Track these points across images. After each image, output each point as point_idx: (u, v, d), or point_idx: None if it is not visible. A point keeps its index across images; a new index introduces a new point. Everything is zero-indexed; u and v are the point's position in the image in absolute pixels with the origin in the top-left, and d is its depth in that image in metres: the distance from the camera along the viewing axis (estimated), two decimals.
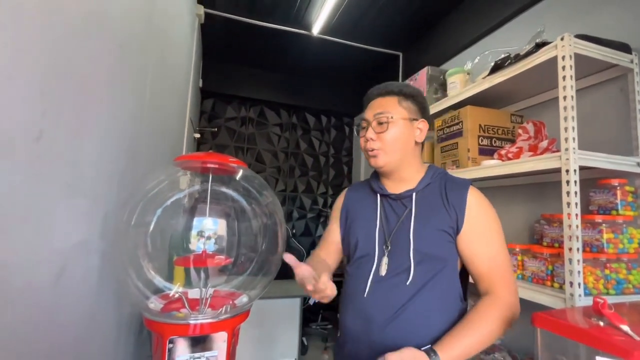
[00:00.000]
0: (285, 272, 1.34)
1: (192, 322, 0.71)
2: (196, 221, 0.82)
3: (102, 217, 0.72)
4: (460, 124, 1.56)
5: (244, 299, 0.86)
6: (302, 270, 0.65)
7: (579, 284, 0.99)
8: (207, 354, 0.71)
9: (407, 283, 0.77)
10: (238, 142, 3.45)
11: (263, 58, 3.14)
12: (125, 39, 0.82)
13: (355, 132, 0.91)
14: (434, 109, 1.80)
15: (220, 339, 0.72)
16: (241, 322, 0.80)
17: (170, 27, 1.46)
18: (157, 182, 0.79)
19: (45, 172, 0.55)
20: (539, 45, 1.19)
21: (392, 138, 0.82)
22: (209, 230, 0.84)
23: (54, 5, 0.51)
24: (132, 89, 0.92)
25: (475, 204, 0.81)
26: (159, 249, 0.77)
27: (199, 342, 0.71)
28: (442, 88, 1.90)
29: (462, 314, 0.78)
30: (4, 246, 0.45)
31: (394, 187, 0.87)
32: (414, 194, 0.84)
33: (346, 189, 1.01)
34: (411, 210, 0.82)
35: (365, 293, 0.79)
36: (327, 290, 0.65)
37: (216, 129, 3.28)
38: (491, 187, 1.77)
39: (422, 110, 0.88)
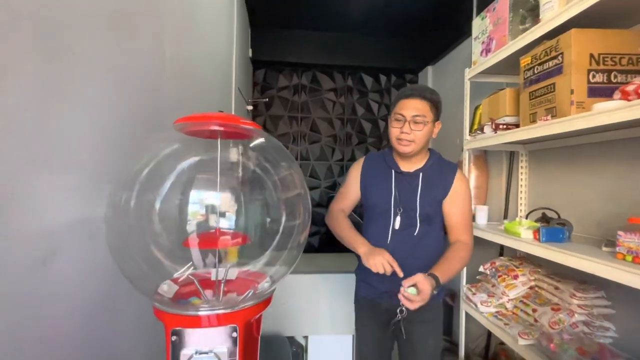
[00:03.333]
0: (341, 246, 1.22)
1: (200, 313, 0.61)
2: (204, 195, 0.70)
3: (100, 194, 0.64)
4: (559, 57, 1.15)
5: (265, 284, 0.74)
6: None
7: None
8: (217, 349, 0.60)
9: (415, 234, 1.16)
10: (292, 111, 3.34)
11: (311, 18, 2.88)
12: None
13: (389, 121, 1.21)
14: (519, 43, 1.37)
15: (228, 333, 0.61)
16: (259, 313, 0.68)
17: None
18: (158, 152, 0.68)
19: (22, 145, 0.46)
20: None
21: (423, 135, 1.12)
22: (221, 205, 0.72)
23: None
24: (138, 46, 0.82)
25: (457, 181, 1.18)
26: (167, 228, 0.68)
27: (207, 335, 0.61)
28: (531, 15, 1.44)
29: (442, 252, 1.17)
30: None
31: (406, 166, 1.20)
32: (421, 173, 1.18)
33: (363, 159, 1.30)
34: (418, 184, 1.17)
35: (388, 240, 1.17)
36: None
37: (267, 100, 3.21)
38: (601, 142, 1.31)
39: (440, 113, 1.17)
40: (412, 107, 1.11)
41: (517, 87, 1.48)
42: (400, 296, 0.97)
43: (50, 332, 0.56)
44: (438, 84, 3.07)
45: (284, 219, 0.76)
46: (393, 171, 1.20)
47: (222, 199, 0.71)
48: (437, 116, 1.15)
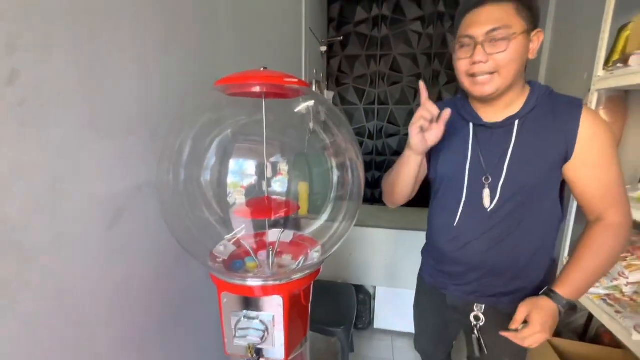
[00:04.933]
0: (414, 200, 1.11)
1: (248, 283, 0.62)
2: (250, 161, 0.67)
3: (156, 158, 0.66)
4: None
5: (314, 253, 0.71)
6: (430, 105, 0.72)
7: None
8: (263, 315, 0.62)
9: (499, 219, 0.77)
10: (370, 49, 3.02)
11: None
12: None
13: (452, 51, 0.75)
14: None
15: (275, 302, 0.61)
16: (306, 285, 0.66)
17: None
18: (202, 114, 0.65)
19: (80, 113, 0.48)
20: None
21: (511, 59, 0.69)
22: (272, 169, 0.68)
23: None
24: None
25: (590, 127, 0.71)
26: (219, 193, 0.68)
27: (255, 301, 0.62)
28: None
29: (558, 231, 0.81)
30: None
31: (492, 114, 0.79)
32: (516, 122, 0.76)
33: None
34: (511, 140, 0.76)
35: (456, 221, 0.82)
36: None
37: (342, 37, 2.94)
38: None
39: (538, 18, 0.72)
40: (484, 19, 0.68)
41: None
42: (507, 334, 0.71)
43: (124, 279, 0.64)
44: None
45: (335, 186, 0.69)
46: (471, 125, 0.80)
47: (270, 165, 0.67)
48: (533, 22, 0.70)
